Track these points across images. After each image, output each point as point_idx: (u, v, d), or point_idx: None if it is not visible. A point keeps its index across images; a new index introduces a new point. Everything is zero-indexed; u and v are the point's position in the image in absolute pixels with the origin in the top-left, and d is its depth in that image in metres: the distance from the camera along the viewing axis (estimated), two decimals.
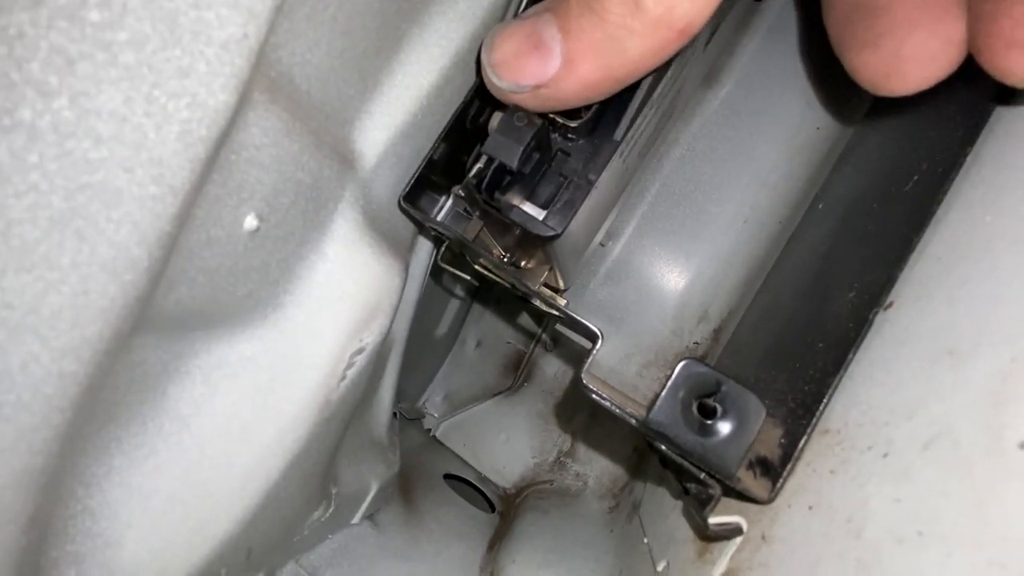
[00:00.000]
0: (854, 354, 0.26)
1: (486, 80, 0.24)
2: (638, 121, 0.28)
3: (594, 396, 0.28)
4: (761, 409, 0.25)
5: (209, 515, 0.25)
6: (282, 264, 0.25)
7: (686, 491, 0.30)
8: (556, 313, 0.31)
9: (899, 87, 0.22)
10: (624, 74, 0.21)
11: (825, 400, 0.25)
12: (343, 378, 0.28)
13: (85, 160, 0.14)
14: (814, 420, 0.25)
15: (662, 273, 0.52)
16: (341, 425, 0.30)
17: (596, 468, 0.51)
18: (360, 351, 0.28)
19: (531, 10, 0.23)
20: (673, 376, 0.26)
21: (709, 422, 0.26)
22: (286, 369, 0.26)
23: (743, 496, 0.25)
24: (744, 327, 0.39)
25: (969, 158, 0.27)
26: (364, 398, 0.35)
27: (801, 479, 0.24)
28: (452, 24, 0.28)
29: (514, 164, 0.24)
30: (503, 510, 0.49)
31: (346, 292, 0.27)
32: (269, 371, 0.26)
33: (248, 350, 0.25)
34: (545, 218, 0.27)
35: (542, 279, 0.34)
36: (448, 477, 0.51)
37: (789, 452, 0.25)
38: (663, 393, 0.26)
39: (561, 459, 0.53)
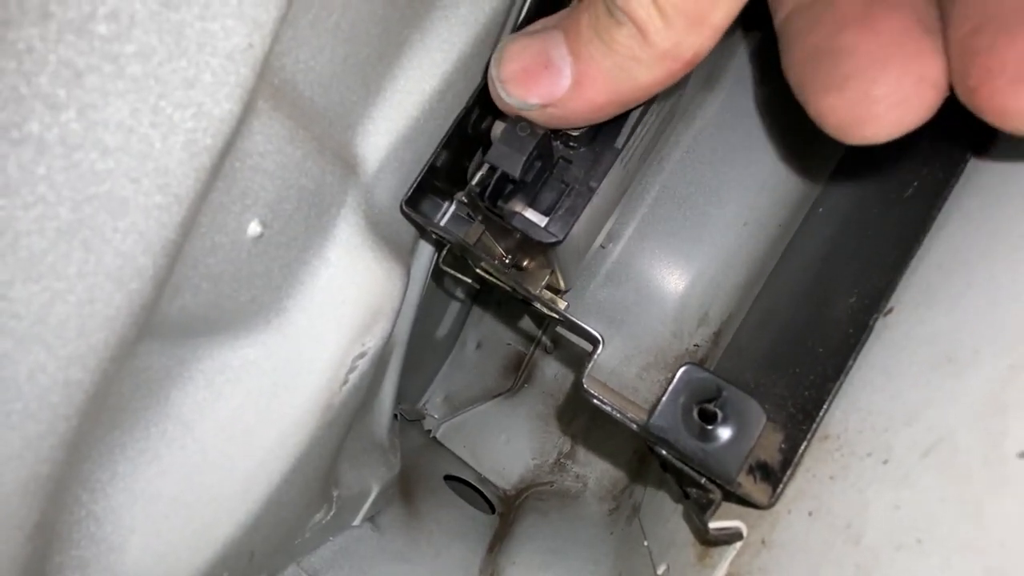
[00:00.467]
0: (854, 360, 0.26)
1: (494, 94, 0.24)
2: (639, 129, 0.28)
3: (595, 401, 0.28)
4: (761, 415, 0.26)
5: (212, 519, 0.25)
6: (285, 269, 0.25)
7: (686, 495, 0.30)
8: (557, 317, 0.32)
9: (871, 134, 0.20)
10: (631, 99, 0.22)
11: (825, 406, 0.26)
12: (345, 382, 0.28)
13: (92, 171, 0.14)
14: (814, 426, 0.25)
15: (662, 275, 0.52)
16: (343, 428, 0.30)
17: (596, 470, 0.51)
18: (362, 355, 0.28)
19: (539, 25, 0.23)
20: (674, 381, 0.26)
21: (710, 427, 0.26)
22: (289, 373, 0.26)
23: (743, 501, 0.26)
24: (744, 331, 0.39)
25: (969, 164, 0.28)
26: (365, 401, 0.35)
27: (801, 484, 0.24)
28: (454, 29, 0.28)
29: (516, 174, 0.24)
30: (503, 511, 0.50)
31: (348, 296, 0.27)
32: (272, 375, 0.26)
33: (251, 355, 0.25)
34: (547, 225, 0.27)
35: (543, 283, 0.34)
36: (448, 478, 0.51)
37: (789, 457, 0.25)
38: (664, 398, 0.26)
39: (561, 461, 0.53)
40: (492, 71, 0.23)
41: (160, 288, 0.18)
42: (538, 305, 0.32)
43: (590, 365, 0.29)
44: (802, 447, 0.25)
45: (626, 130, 0.27)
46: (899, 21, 0.20)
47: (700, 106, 0.51)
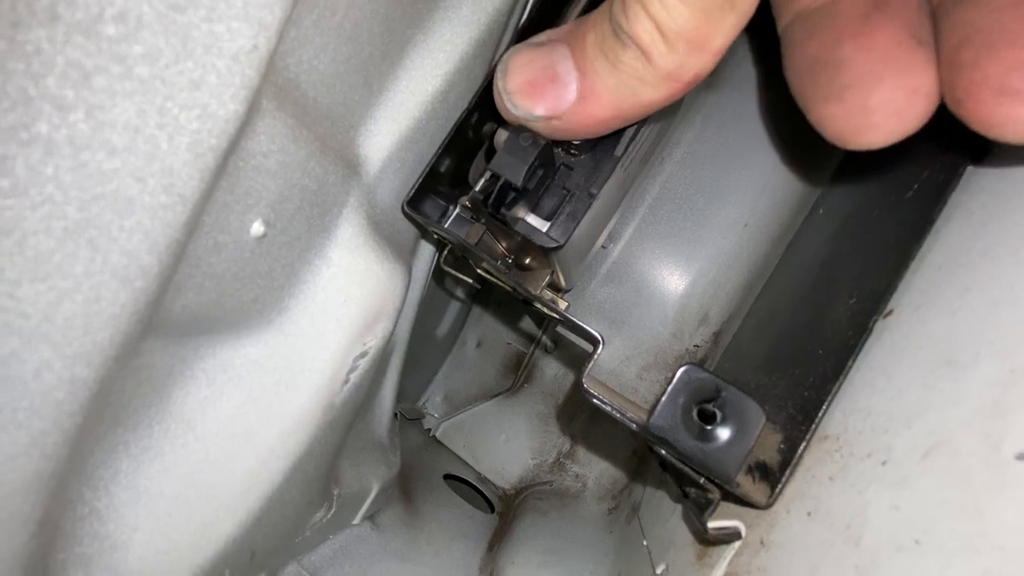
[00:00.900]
0: (854, 361, 0.26)
1: (499, 104, 0.24)
2: (639, 137, 0.28)
3: (595, 401, 0.28)
4: (761, 415, 0.26)
5: (214, 517, 0.25)
6: (287, 269, 0.25)
7: (685, 495, 0.30)
8: (558, 317, 0.32)
9: (868, 141, 0.21)
10: (633, 116, 0.22)
11: (824, 406, 0.26)
12: (346, 381, 0.28)
13: (99, 171, 0.14)
14: (813, 426, 0.26)
15: (663, 275, 0.52)
16: (344, 428, 0.30)
17: (595, 470, 0.51)
18: (364, 355, 0.28)
19: (544, 36, 0.24)
20: (674, 382, 0.26)
21: (709, 427, 0.26)
22: (290, 372, 0.26)
23: (742, 501, 0.26)
24: (744, 331, 0.39)
25: (969, 167, 0.28)
26: (366, 400, 0.36)
27: (800, 485, 0.25)
28: (457, 29, 0.29)
29: (519, 183, 0.24)
30: (502, 510, 0.50)
31: (350, 296, 0.27)
32: (273, 374, 0.26)
33: (253, 354, 0.25)
34: (548, 230, 0.27)
35: (544, 283, 0.34)
36: (448, 477, 0.51)
37: (788, 458, 0.26)
38: (663, 399, 0.26)
39: (561, 460, 0.53)
40: (498, 82, 0.24)
41: (164, 287, 0.18)
42: (539, 306, 0.32)
43: (590, 365, 0.29)
44: (801, 447, 0.25)
45: (626, 138, 0.28)
46: (894, 34, 0.21)
47: (701, 107, 0.51)
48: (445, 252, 0.35)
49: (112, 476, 0.22)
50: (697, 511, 0.27)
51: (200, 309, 0.22)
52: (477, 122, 0.30)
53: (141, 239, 0.16)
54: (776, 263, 0.42)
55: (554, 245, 0.27)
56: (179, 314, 0.21)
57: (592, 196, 0.28)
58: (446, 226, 0.31)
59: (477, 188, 0.26)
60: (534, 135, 0.24)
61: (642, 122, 0.28)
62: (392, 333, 0.31)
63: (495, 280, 0.33)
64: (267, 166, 0.21)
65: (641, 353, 0.51)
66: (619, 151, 0.28)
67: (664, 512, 0.36)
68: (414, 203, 0.29)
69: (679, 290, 0.51)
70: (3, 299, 0.13)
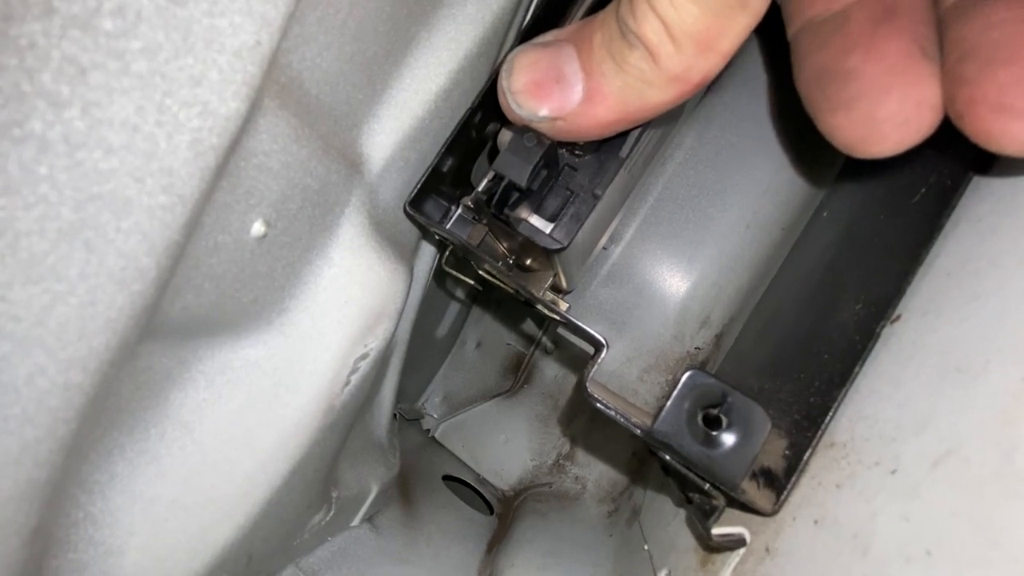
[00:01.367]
0: (861, 367, 0.26)
1: (503, 104, 0.24)
2: (643, 138, 0.28)
3: (599, 405, 0.28)
4: (766, 421, 0.25)
5: (211, 522, 0.24)
6: (288, 269, 0.24)
7: (689, 500, 0.30)
8: (561, 320, 0.31)
9: (876, 150, 0.22)
10: (639, 117, 0.22)
11: (831, 413, 0.25)
12: (347, 383, 0.28)
13: (96, 170, 0.14)
14: (819, 432, 0.25)
15: (664, 277, 0.52)
16: (344, 430, 0.30)
17: (595, 472, 0.51)
18: (364, 356, 0.28)
19: (551, 36, 0.23)
20: (679, 386, 0.26)
21: (714, 433, 0.26)
22: (290, 374, 0.26)
23: (747, 507, 0.25)
24: (747, 334, 0.39)
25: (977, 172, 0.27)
26: (366, 401, 0.35)
27: (806, 492, 0.24)
28: (461, 27, 0.28)
29: (523, 183, 0.24)
30: (501, 512, 0.49)
31: (351, 297, 0.27)
32: (273, 376, 0.25)
33: (252, 355, 0.25)
34: (552, 231, 0.27)
35: (546, 285, 0.34)
36: (447, 478, 0.51)
37: (794, 464, 0.25)
38: (668, 404, 0.26)
39: (560, 462, 0.53)
40: (503, 81, 0.23)
41: (163, 289, 0.17)
42: (541, 308, 0.32)
43: (593, 369, 0.29)
44: (807, 454, 0.25)
45: (631, 139, 0.27)
46: (901, 47, 0.21)
47: (704, 108, 0.51)
48: (447, 253, 0.35)
49: (108, 480, 0.21)
50: (701, 517, 0.27)
51: (199, 311, 0.21)
52: (481, 122, 0.30)
53: (139, 241, 0.15)
54: (779, 266, 0.42)
55: (557, 247, 0.27)
56: (177, 316, 0.20)
57: (596, 198, 0.28)
58: (448, 227, 0.31)
59: (480, 188, 0.26)
60: (538, 135, 0.24)
61: (647, 124, 0.28)
62: (393, 335, 0.30)
63: (496, 282, 0.33)
64: (269, 165, 0.20)
65: (642, 355, 0.51)
66: (624, 152, 0.28)
67: (666, 516, 0.35)
68: (416, 203, 0.29)
69: (680, 292, 0.51)
70: None
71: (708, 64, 0.20)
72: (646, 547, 0.35)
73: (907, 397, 0.23)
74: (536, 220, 0.28)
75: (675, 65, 0.20)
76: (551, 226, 0.28)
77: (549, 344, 0.56)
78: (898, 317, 0.26)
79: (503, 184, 0.25)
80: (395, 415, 0.44)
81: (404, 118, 0.28)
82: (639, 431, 0.27)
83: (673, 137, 0.51)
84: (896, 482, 0.21)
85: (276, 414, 0.26)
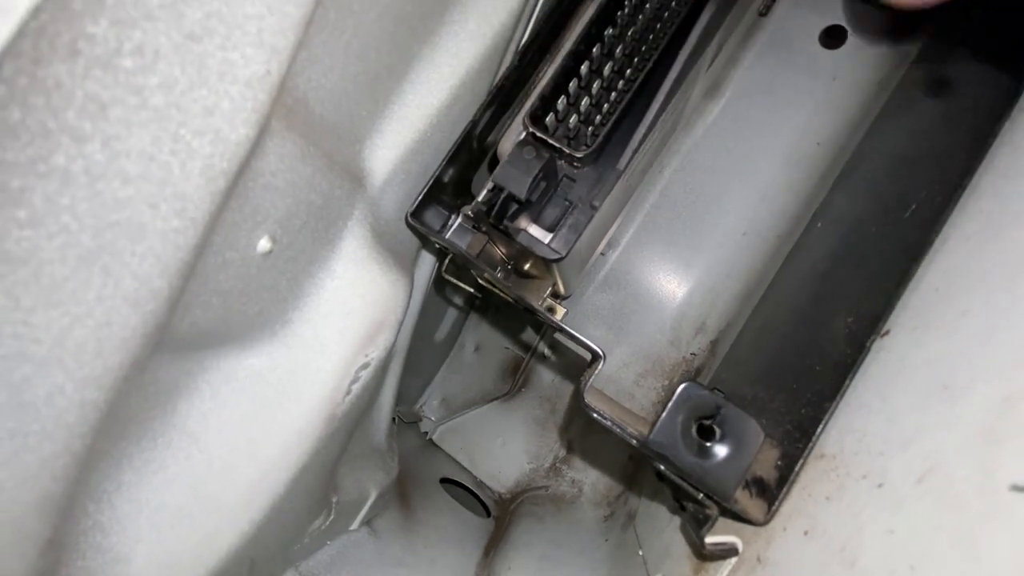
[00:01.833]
0: (851, 380, 0.26)
1: None
2: (641, 149, 0.28)
3: (595, 415, 0.28)
4: (759, 433, 0.26)
5: (216, 528, 0.25)
6: (292, 282, 0.25)
7: (682, 508, 0.31)
8: (559, 329, 0.32)
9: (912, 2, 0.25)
10: None
11: (822, 425, 0.26)
12: (348, 392, 0.28)
13: (114, 199, 0.14)
14: (811, 444, 0.26)
15: (660, 283, 0.52)
16: (345, 437, 0.31)
17: (592, 475, 0.52)
18: (365, 366, 0.29)
19: None
20: (674, 399, 0.27)
21: (708, 444, 0.26)
22: (293, 384, 0.26)
23: (740, 517, 0.26)
24: (742, 343, 0.40)
25: (967, 190, 0.28)
26: (366, 408, 0.36)
27: (797, 503, 0.25)
28: (462, 44, 0.29)
29: (523, 195, 0.25)
30: (498, 515, 0.50)
31: (353, 308, 0.27)
32: (276, 386, 0.26)
33: (256, 365, 0.25)
34: (551, 241, 0.27)
35: (546, 293, 0.34)
36: (444, 481, 0.51)
37: (786, 475, 0.26)
38: (663, 416, 0.26)
39: (557, 465, 0.53)
40: None
41: (174, 307, 0.18)
42: (540, 318, 0.32)
43: (591, 379, 0.29)
44: (798, 465, 0.26)
45: (628, 152, 0.28)
46: None
47: (701, 115, 0.52)
48: (447, 261, 0.36)
49: (115, 489, 0.22)
50: (695, 526, 0.28)
51: (206, 324, 0.22)
52: (481, 134, 0.30)
53: (153, 263, 0.16)
54: (774, 274, 0.42)
55: (556, 257, 0.28)
56: (186, 330, 0.21)
57: (594, 208, 0.28)
58: (448, 236, 0.31)
59: (480, 199, 0.26)
60: (537, 149, 0.25)
61: (645, 135, 0.29)
62: (394, 344, 0.31)
63: (496, 290, 0.33)
64: (275, 184, 0.21)
65: (638, 360, 0.51)
66: (622, 164, 0.28)
67: (660, 522, 0.36)
68: (417, 214, 0.29)
69: (677, 298, 0.52)
70: (18, 327, 0.14)
71: None
72: (641, 552, 0.36)
73: (895, 412, 0.23)
74: (535, 230, 0.28)
75: None
76: (550, 236, 0.28)
77: (546, 349, 0.56)
78: (887, 332, 0.27)
79: (503, 195, 0.25)
80: (394, 418, 0.44)
81: (406, 132, 0.28)
82: (635, 442, 0.27)
83: (671, 144, 0.52)
84: (882, 496, 0.21)
85: (279, 423, 0.26)
